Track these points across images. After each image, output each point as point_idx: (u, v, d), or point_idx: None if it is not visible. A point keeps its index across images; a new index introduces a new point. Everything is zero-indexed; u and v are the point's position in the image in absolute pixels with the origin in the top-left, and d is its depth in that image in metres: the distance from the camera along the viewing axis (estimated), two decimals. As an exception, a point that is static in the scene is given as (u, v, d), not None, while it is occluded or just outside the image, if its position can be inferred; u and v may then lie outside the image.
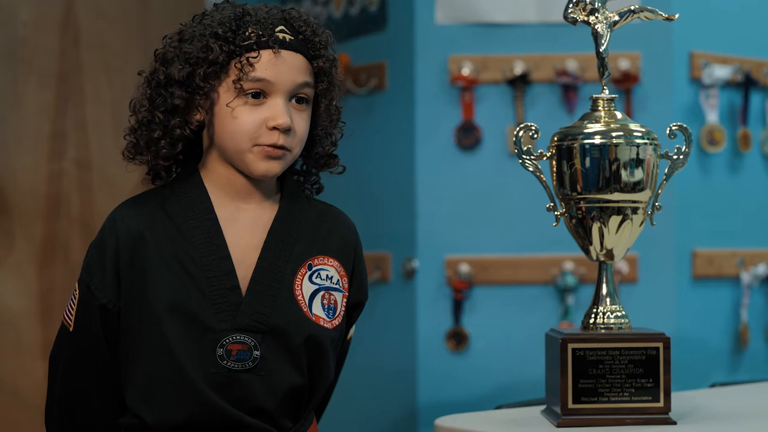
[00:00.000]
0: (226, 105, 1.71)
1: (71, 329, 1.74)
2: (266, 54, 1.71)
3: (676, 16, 1.88)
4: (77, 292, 1.74)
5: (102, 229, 1.75)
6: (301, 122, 1.75)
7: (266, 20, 1.73)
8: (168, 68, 1.73)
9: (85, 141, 3.58)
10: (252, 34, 1.71)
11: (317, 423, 1.91)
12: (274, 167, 1.73)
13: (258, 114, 1.71)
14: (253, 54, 1.70)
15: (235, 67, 1.70)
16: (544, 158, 1.85)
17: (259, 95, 1.71)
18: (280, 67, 1.71)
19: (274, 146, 1.71)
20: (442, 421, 1.83)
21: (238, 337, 1.70)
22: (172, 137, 1.73)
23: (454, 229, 3.11)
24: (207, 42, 1.70)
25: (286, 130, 1.71)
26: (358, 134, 3.34)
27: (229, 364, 1.69)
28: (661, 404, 1.76)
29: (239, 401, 1.71)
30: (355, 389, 3.27)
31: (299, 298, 1.75)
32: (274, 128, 1.70)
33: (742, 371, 3.22)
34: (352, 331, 1.91)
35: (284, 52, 1.72)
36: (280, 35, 1.72)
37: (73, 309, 1.74)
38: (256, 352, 1.70)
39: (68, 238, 3.52)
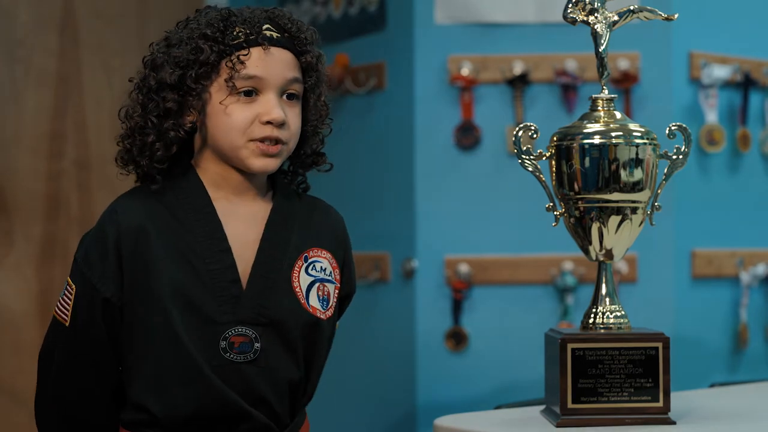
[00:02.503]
0: (219, 103, 1.73)
1: (67, 324, 1.74)
2: (256, 51, 1.73)
3: (676, 16, 1.88)
4: (73, 287, 1.73)
5: (101, 222, 1.75)
6: (293, 117, 1.77)
7: (252, 19, 1.75)
8: (158, 73, 1.74)
9: (85, 141, 3.58)
10: (240, 33, 1.74)
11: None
12: (271, 164, 1.75)
13: (251, 110, 1.73)
14: (243, 52, 1.73)
15: (226, 66, 1.72)
16: (544, 158, 1.85)
17: (251, 93, 1.73)
18: (270, 64, 1.74)
19: (269, 140, 1.73)
20: (442, 421, 1.83)
21: (240, 330, 1.71)
22: (167, 140, 1.74)
23: (453, 229, 3.11)
24: (197, 44, 1.73)
25: (280, 125, 1.73)
26: (357, 134, 3.35)
27: (231, 356, 1.71)
28: (660, 404, 1.77)
29: (241, 393, 1.72)
30: (354, 389, 3.27)
31: (297, 289, 1.77)
32: (268, 123, 1.73)
33: (741, 371, 3.22)
34: (337, 323, 1.92)
35: (273, 49, 1.75)
36: (267, 33, 1.75)
37: (69, 304, 1.73)
38: (257, 344, 1.72)
39: (67, 238, 3.52)
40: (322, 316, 1.79)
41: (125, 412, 1.75)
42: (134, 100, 1.77)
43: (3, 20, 3.50)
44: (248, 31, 1.74)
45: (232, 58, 1.72)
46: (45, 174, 3.53)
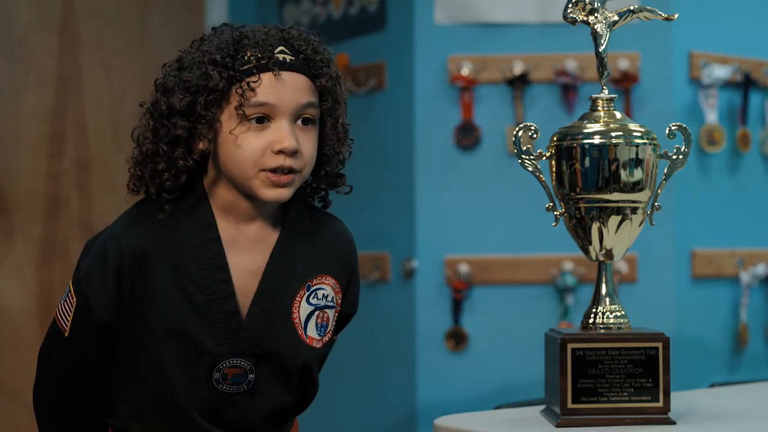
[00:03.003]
0: (230, 132, 1.67)
1: (66, 335, 1.72)
2: (267, 77, 1.67)
3: (676, 16, 1.88)
4: (74, 299, 1.71)
5: (104, 242, 1.71)
6: (307, 143, 1.71)
7: (265, 42, 1.69)
8: (169, 98, 1.68)
9: (85, 141, 3.58)
10: (251, 58, 1.67)
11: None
12: (283, 194, 1.70)
13: (262, 139, 1.67)
14: (254, 78, 1.66)
15: (236, 92, 1.66)
16: (544, 158, 1.85)
17: (263, 120, 1.67)
18: (282, 90, 1.67)
19: (281, 171, 1.68)
20: (442, 421, 1.83)
21: (234, 362, 1.70)
22: (177, 169, 1.69)
23: (453, 229, 3.11)
24: (206, 69, 1.66)
25: (293, 153, 1.68)
26: (357, 134, 3.34)
27: (224, 387, 1.70)
28: (660, 404, 1.76)
29: (230, 422, 1.72)
30: (354, 389, 3.27)
31: (296, 321, 1.75)
32: (280, 152, 1.67)
33: (741, 371, 3.22)
34: (335, 336, 1.90)
35: (285, 74, 1.68)
36: (280, 56, 1.68)
37: (69, 315, 1.72)
38: (251, 376, 1.71)
39: (67, 238, 3.52)
40: (318, 345, 1.77)
41: (113, 418, 1.76)
42: (146, 125, 1.71)
43: (3, 20, 3.50)
44: (260, 56, 1.67)
45: (242, 84, 1.66)
46: (45, 174, 3.53)
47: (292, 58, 1.70)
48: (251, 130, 1.67)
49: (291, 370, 1.74)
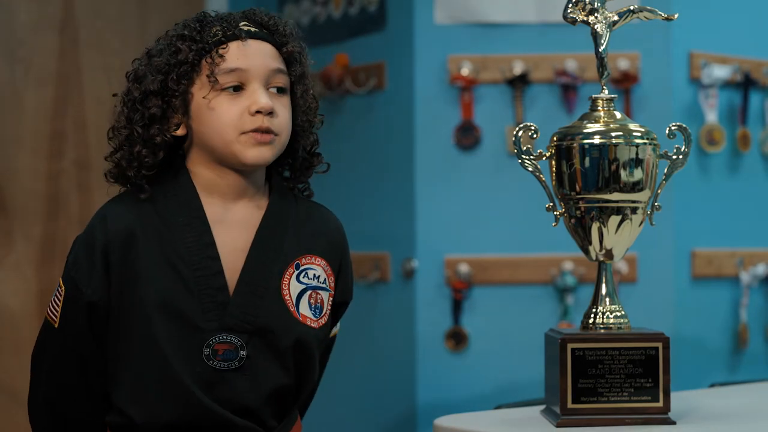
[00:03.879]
0: (203, 98, 1.73)
1: (56, 326, 1.74)
2: (234, 45, 1.74)
3: (676, 16, 1.88)
4: (62, 288, 1.74)
5: (91, 225, 1.75)
6: (282, 108, 1.76)
7: (229, 18, 1.77)
8: (141, 84, 1.75)
9: (85, 141, 3.58)
10: (217, 31, 1.75)
11: (301, 420, 1.91)
12: (265, 153, 1.74)
13: (238, 104, 1.73)
14: (222, 47, 1.73)
15: (206, 62, 1.73)
16: (544, 158, 1.85)
17: (238, 88, 1.73)
18: (251, 55, 1.74)
19: (261, 130, 1.72)
20: (442, 421, 1.83)
21: (224, 337, 1.71)
22: (153, 146, 1.74)
23: (453, 229, 3.11)
24: (175, 46, 1.74)
25: (270, 113, 1.73)
26: (357, 134, 3.35)
27: (215, 363, 1.71)
28: (660, 404, 1.77)
29: (226, 401, 1.72)
30: (354, 389, 3.27)
31: (287, 297, 1.76)
32: (257, 113, 1.72)
33: (741, 371, 3.22)
34: (336, 328, 1.91)
35: (251, 41, 1.75)
36: (245, 27, 1.76)
37: (58, 306, 1.74)
38: (243, 352, 1.72)
39: (67, 237, 3.52)
40: (314, 325, 1.78)
41: (110, 414, 1.76)
42: (120, 113, 1.77)
43: (3, 20, 3.50)
44: (226, 27, 1.75)
45: (211, 54, 1.73)
46: (45, 174, 3.53)
47: (256, 30, 1.77)
48: (224, 95, 1.73)
49: (284, 348, 1.74)
